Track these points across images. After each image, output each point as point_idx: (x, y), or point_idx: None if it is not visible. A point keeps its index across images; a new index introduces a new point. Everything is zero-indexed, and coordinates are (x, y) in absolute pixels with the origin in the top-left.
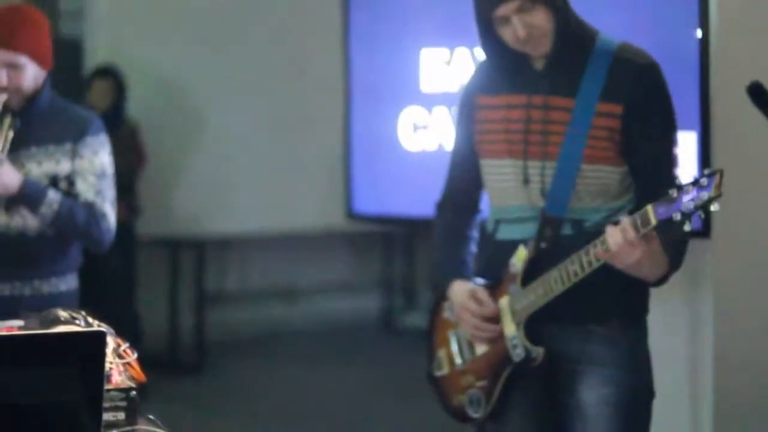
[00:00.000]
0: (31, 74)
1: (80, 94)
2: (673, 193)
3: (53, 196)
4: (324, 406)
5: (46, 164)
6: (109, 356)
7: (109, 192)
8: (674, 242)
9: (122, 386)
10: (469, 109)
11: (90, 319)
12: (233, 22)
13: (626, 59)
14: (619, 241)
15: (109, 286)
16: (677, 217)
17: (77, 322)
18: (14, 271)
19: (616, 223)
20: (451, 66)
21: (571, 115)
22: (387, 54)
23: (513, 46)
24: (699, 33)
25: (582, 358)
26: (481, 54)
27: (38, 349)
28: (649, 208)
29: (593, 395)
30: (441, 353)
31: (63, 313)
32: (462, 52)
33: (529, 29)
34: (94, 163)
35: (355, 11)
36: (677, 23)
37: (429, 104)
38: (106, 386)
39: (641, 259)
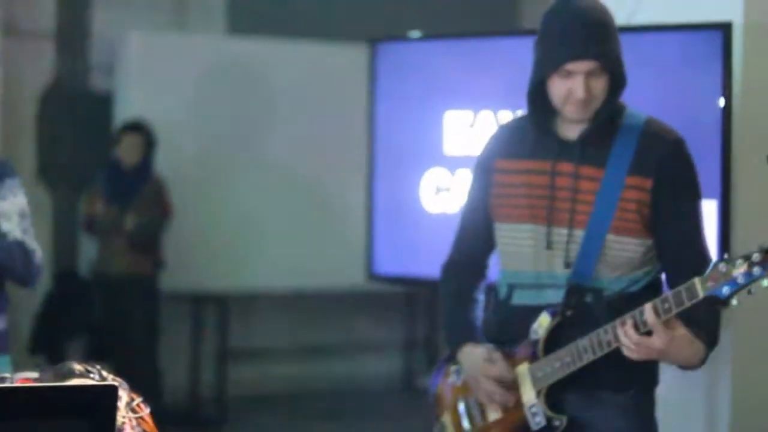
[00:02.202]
0: None
1: (109, 147)
2: (722, 267)
3: None
4: None
5: None
6: (122, 410)
7: (32, 230)
8: (706, 320)
9: None
10: (485, 172)
11: (104, 373)
12: (258, 78)
13: (654, 134)
14: (635, 341)
15: (131, 340)
16: (726, 292)
17: (92, 375)
18: None
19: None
20: (474, 129)
21: (599, 185)
22: (411, 116)
23: (556, 102)
24: (722, 102)
25: (596, 426)
26: (505, 117)
27: (50, 402)
28: (697, 281)
29: None
30: (445, 418)
31: (78, 367)
32: (486, 115)
33: (588, 93)
34: (16, 204)
35: (380, 73)
36: (700, 91)
37: (452, 167)
38: None
39: (667, 349)
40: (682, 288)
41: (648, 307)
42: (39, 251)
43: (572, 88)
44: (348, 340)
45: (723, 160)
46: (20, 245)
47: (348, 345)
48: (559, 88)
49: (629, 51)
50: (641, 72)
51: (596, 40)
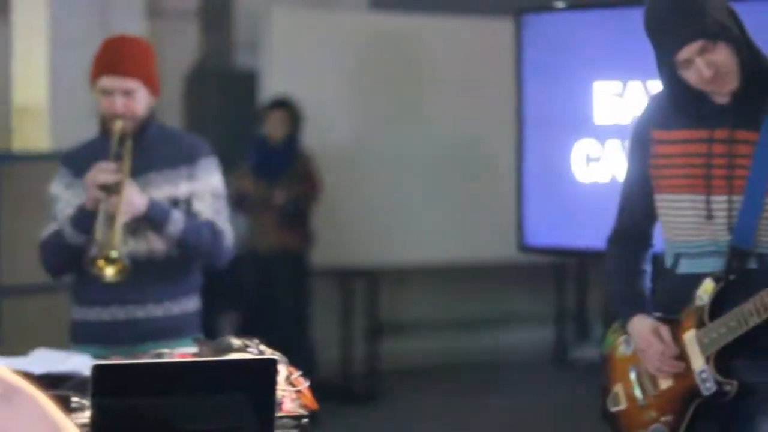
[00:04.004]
0: (143, 101)
1: (253, 124)
2: None
3: (178, 214)
4: None
5: (166, 188)
6: (281, 384)
7: (225, 211)
8: None
9: (293, 414)
10: (643, 142)
11: (262, 347)
12: (403, 54)
13: None
14: None
15: (283, 315)
16: None
17: (250, 350)
18: (134, 294)
19: None
20: (623, 99)
21: (755, 148)
22: (560, 87)
23: (698, 86)
24: None
25: (765, 392)
26: (654, 87)
27: (211, 376)
28: None
29: None
30: (617, 388)
31: (236, 341)
32: (635, 85)
33: (714, 68)
34: (210, 184)
35: (528, 44)
36: None
37: (602, 137)
38: (278, 413)
39: None
40: None
41: None
42: (229, 232)
43: (698, 71)
44: (498, 312)
45: None
46: (210, 225)
47: (498, 317)
48: (689, 77)
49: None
50: None
51: (689, 19)
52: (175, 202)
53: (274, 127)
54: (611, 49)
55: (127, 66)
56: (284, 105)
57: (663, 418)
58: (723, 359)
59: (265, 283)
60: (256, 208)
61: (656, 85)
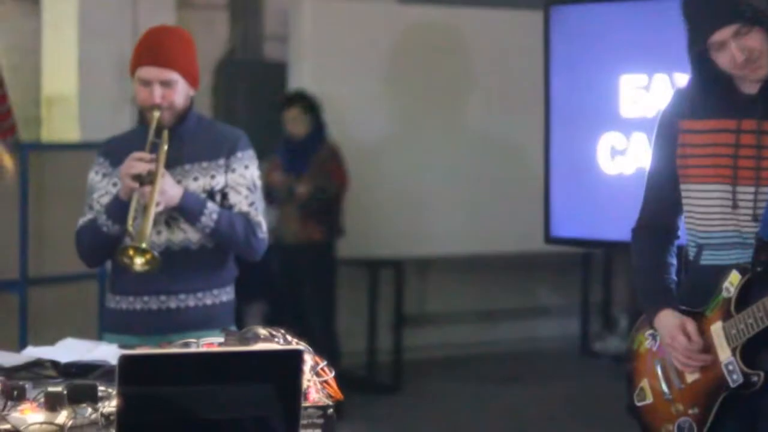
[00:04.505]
0: (182, 92)
1: (282, 116)
2: None
3: (212, 206)
4: (520, 428)
5: (202, 180)
6: (307, 374)
7: (261, 203)
8: None
9: (319, 404)
10: (669, 132)
11: (289, 337)
12: (431, 46)
13: None
14: None
15: (309, 305)
16: None
17: (276, 340)
18: (167, 284)
19: None
20: (649, 92)
21: None
22: (586, 80)
23: (728, 70)
24: None
25: None
26: (680, 80)
27: (238, 366)
28: None
29: None
30: (644, 383)
31: (262, 331)
32: (661, 78)
33: (747, 53)
34: (246, 177)
35: (556, 37)
36: None
37: (628, 130)
38: (304, 403)
39: None
40: None
41: None
42: (264, 225)
43: (731, 55)
44: (524, 303)
45: None
46: (245, 218)
47: (524, 309)
48: (719, 59)
49: None
50: None
51: (726, 3)
52: (210, 194)
53: (292, 125)
54: (638, 42)
55: (167, 57)
56: (298, 100)
57: (690, 411)
58: (749, 351)
59: (291, 274)
60: (282, 200)
61: (682, 78)
